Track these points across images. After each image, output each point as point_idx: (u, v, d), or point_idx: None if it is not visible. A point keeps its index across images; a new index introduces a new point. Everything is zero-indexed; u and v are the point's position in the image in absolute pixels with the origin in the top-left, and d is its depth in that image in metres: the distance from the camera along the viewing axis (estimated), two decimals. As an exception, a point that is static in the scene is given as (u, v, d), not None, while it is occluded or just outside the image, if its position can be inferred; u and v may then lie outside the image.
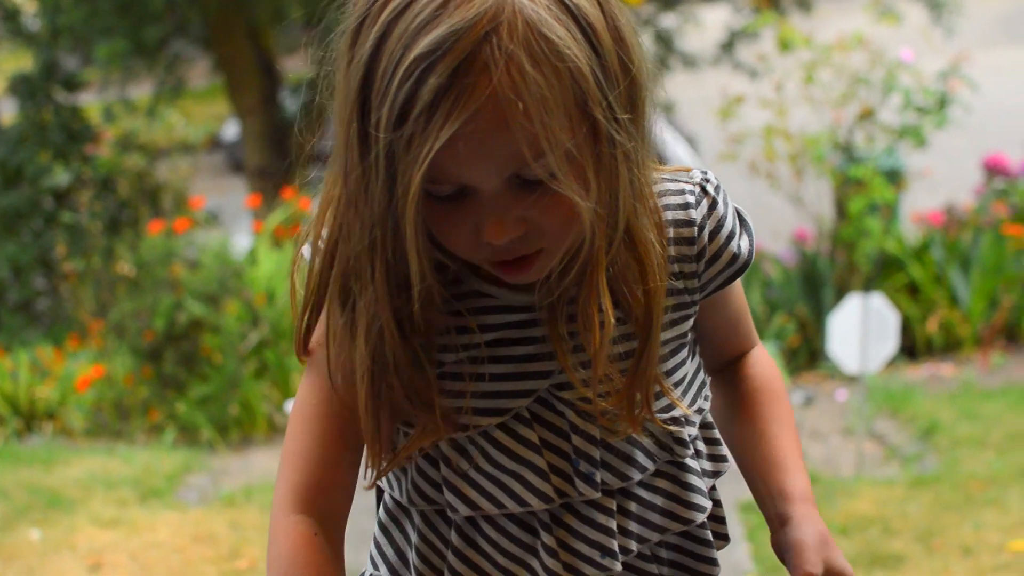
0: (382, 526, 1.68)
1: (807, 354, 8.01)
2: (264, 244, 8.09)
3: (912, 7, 12.76)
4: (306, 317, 1.53)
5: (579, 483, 1.53)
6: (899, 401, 6.55)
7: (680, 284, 1.54)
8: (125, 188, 10.97)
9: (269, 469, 6.52)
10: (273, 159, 12.67)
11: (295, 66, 16.00)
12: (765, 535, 1.65)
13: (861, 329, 5.79)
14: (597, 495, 1.53)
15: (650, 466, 1.56)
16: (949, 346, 7.73)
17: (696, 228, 1.52)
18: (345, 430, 1.51)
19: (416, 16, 1.27)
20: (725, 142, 8.89)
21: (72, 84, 12.27)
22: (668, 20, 14.93)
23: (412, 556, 1.62)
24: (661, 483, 1.58)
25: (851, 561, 4.59)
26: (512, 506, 1.54)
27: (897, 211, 8.73)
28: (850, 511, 5.13)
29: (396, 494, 1.63)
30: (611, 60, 1.33)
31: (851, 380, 6.92)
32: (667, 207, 1.52)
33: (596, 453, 1.53)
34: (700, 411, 1.62)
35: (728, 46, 14.34)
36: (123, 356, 7.69)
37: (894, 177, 8.86)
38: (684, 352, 1.59)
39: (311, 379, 1.54)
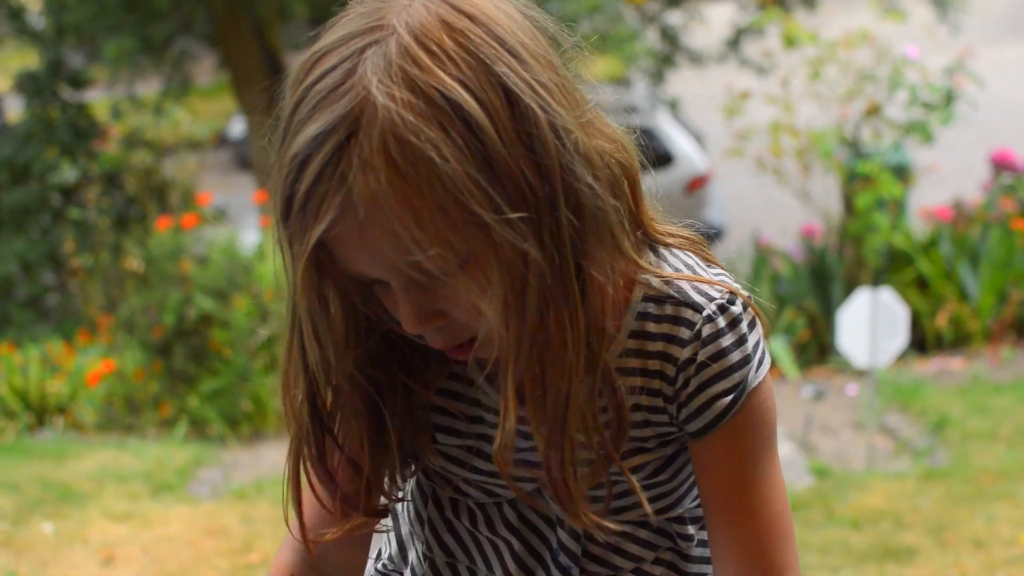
0: (395, 514, 1.69)
1: (817, 349, 8.02)
2: (272, 240, 8.08)
3: (917, 4, 12.77)
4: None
5: (555, 572, 1.51)
6: (909, 395, 6.56)
7: (665, 416, 1.43)
8: (132, 184, 10.98)
9: (280, 463, 6.48)
10: (280, 156, 12.68)
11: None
12: None
13: (870, 324, 5.79)
14: None
15: (647, 556, 1.52)
16: (959, 340, 7.73)
17: (674, 369, 1.39)
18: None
19: (297, 114, 1.25)
20: (732, 138, 8.90)
21: (78, 81, 12.28)
22: (674, 17, 14.93)
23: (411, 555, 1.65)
24: (658, 571, 1.53)
25: (863, 554, 4.62)
26: (482, 568, 1.55)
27: (905, 206, 8.74)
28: (861, 505, 5.14)
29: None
30: (502, 156, 1.23)
31: (861, 374, 6.92)
32: (662, 336, 1.40)
33: (578, 549, 1.50)
34: None
35: (734, 43, 14.35)
36: (133, 351, 7.71)
37: (901, 173, 8.87)
38: (649, 455, 1.47)
39: None
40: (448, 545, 1.57)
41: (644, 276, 1.39)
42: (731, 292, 1.38)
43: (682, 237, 1.45)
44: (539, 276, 1.26)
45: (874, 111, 8.67)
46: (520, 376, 1.30)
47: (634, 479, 1.40)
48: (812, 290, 8.18)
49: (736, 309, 1.37)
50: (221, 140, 20.58)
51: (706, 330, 1.37)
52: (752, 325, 1.39)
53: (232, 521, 5.47)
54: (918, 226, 8.70)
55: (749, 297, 1.40)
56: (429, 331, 1.32)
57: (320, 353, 1.35)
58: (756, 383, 1.38)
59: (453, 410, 1.48)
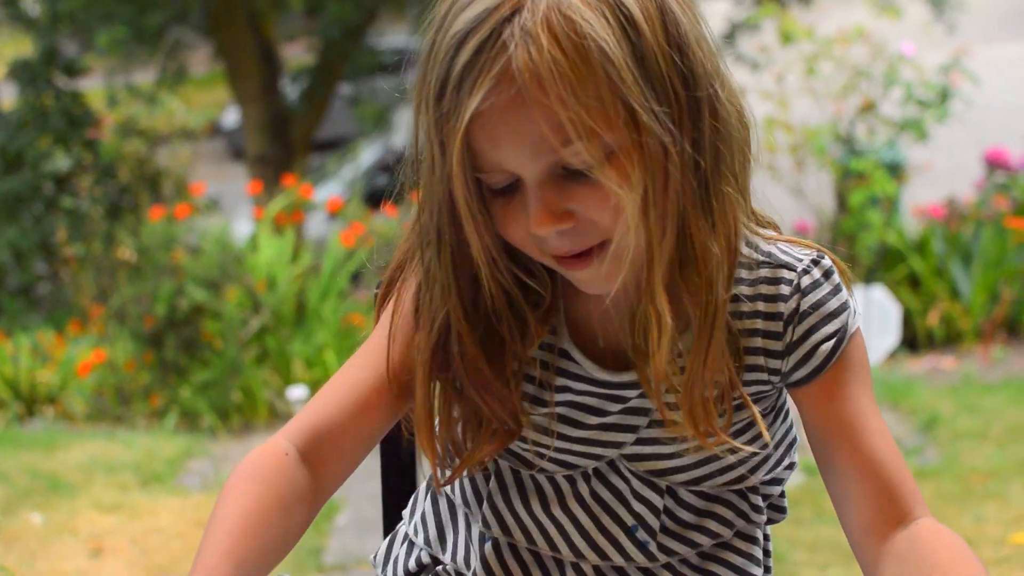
0: (434, 496, 1.68)
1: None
2: (265, 231, 8.08)
3: (913, 2, 12.76)
4: (389, 274, 1.55)
5: (630, 548, 1.52)
6: (900, 393, 6.55)
7: (764, 375, 1.49)
8: (125, 174, 10.95)
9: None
10: (273, 146, 12.67)
11: (295, 54, 16.00)
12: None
13: (862, 321, 5.79)
14: (647, 564, 1.53)
15: (725, 533, 1.55)
16: (950, 339, 7.73)
17: (782, 324, 1.46)
18: (373, 399, 1.50)
19: (456, 2, 1.31)
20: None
21: (73, 70, 12.25)
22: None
23: (453, 537, 1.63)
24: (724, 549, 1.57)
25: (852, 553, 4.62)
26: (543, 547, 1.54)
27: (898, 204, 8.73)
28: (851, 502, 5.13)
29: (451, 492, 1.64)
30: (653, 54, 1.30)
31: (852, 372, 6.91)
32: (761, 296, 1.46)
33: (656, 524, 1.52)
34: (791, 467, 1.60)
35: (729, 38, 14.33)
36: (124, 341, 7.69)
37: (895, 170, 8.86)
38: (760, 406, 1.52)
39: (373, 336, 1.54)
40: (508, 525, 1.56)
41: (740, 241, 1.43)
42: (818, 251, 1.48)
43: (762, 216, 1.54)
44: (681, 174, 1.33)
45: (869, 108, 8.66)
46: (665, 277, 1.35)
47: (755, 408, 1.46)
48: (804, 287, 8.17)
49: (827, 263, 1.46)
50: (215, 130, 20.59)
51: (804, 281, 1.45)
52: (843, 277, 1.48)
53: (221, 513, 5.45)
54: (911, 224, 8.69)
55: (833, 257, 1.48)
56: (554, 235, 1.35)
57: (481, 243, 1.37)
58: (855, 328, 1.47)
59: (540, 378, 1.50)
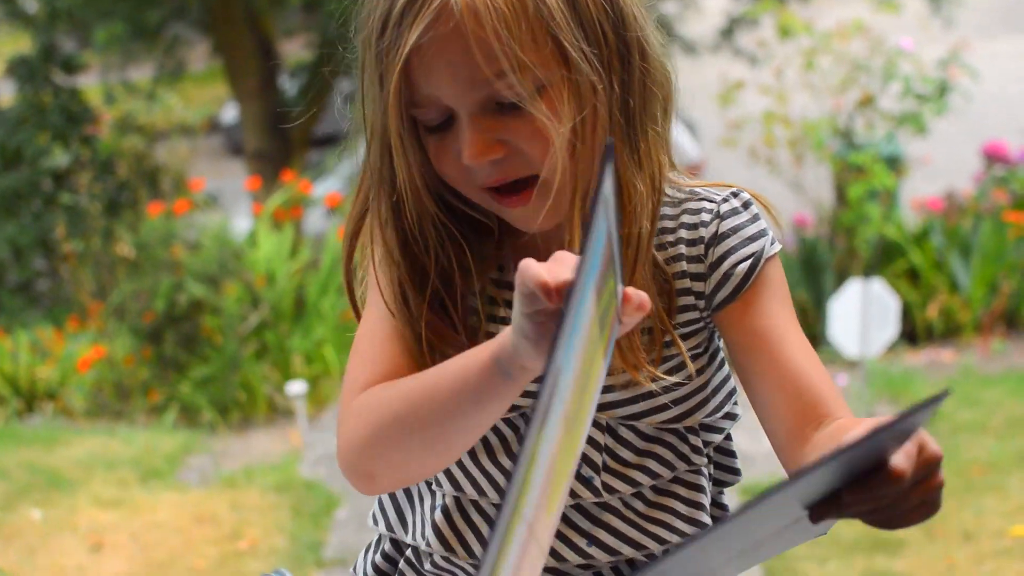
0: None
1: (807, 339, 8.01)
2: (264, 226, 8.08)
3: (912, -5, 12.75)
4: (350, 229, 1.58)
5: (576, 485, 1.54)
6: (899, 386, 6.56)
7: (691, 299, 1.53)
8: (124, 170, 10.96)
9: (270, 450, 6.53)
10: (272, 142, 12.67)
11: (294, 50, 15.98)
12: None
13: (861, 314, 5.79)
14: (592, 499, 1.54)
15: (665, 474, 1.56)
16: (949, 332, 7.73)
17: (703, 246, 1.52)
18: (406, 347, 1.52)
19: None
20: (725, 128, 8.89)
21: (71, 66, 12.25)
22: (668, 6, 14.91)
23: (412, 516, 1.64)
24: (667, 496, 1.58)
25: (851, 546, 4.62)
26: (493, 496, 1.56)
27: (897, 198, 8.74)
28: (851, 495, 5.13)
29: None
30: (588, 8, 1.40)
31: (851, 365, 6.92)
32: (683, 225, 1.53)
33: (599, 459, 1.54)
34: (731, 416, 1.61)
35: (728, 32, 14.34)
36: (123, 337, 7.69)
37: (894, 164, 8.88)
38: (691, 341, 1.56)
39: (371, 302, 1.56)
40: (458, 480, 1.58)
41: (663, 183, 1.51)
42: (738, 187, 1.56)
43: (682, 166, 1.61)
44: (609, 112, 1.42)
45: (867, 102, 8.67)
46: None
47: (682, 344, 1.51)
48: (803, 280, 8.18)
49: (745, 196, 1.54)
50: (213, 126, 20.57)
51: (723, 208, 1.52)
52: (764, 211, 1.56)
53: (221, 508, 5.46)
54: (910, 217, 8.70)
55: (755, 193, 1.57)
56: (486, 165, 1.41)
57: (407, 173, 1.45)
58: (772, 253, 1.53)
59: (489, 313, 1.54)
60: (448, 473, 1.57)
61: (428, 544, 1.59)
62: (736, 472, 1.66)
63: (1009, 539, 4.62)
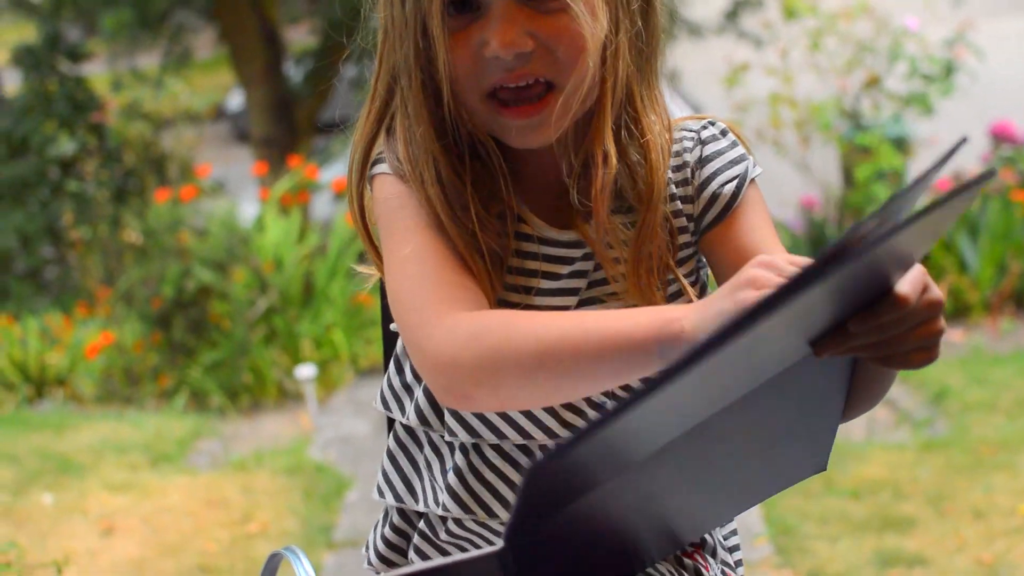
0: (390, 454, 1.69)
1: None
2: (271, 212, 8.08)
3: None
4: (360, 151, 1.58)
5: (591, 414, 1.55)
6: (908, 367, 6.55)
7: (683, 221, 1.59)
8: (131, 157, 10.95)
9: (279, 434, 6.54)
10: (278, 128, 12.66)
11: (299, 36, 15.98)
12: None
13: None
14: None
15: None
16: (958, 312, 7.72)
17: (689, 170, 1.58)
18: (462, 264, 1.50)
19: None
20: (730, 110, 8.87)
21: (76, 55, 12.24)
22: (673, -11, 14.87)
23: (420, 484, 1.63)
24: None
25: (862, 524, 4.62)
26: (513, 436, 1.55)
27: (904, 178, 8.72)
28: (861, 475, 5.14)
29: (403, 417, 1.64)
30: None
31: (860, 346, 6.91)
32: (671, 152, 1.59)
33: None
34: None
35: (733, 14, 14.30)
36: (132, 323, 7.70)
37: (901, 144, 8.85)
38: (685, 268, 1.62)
39: (405, 228, 1.52)
40: (474, 427, 1.58)
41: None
42: (711, 117, 1.65)
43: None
44: (635, 29, 1.49)
45: (874, 83, 8.65)
46: (616, 120, 1.49)
47: (683, 279, 1.58)
48: (811, 262, 8.15)
49: (721, 124, 1.63)
50: (219, 113, 20.58)
51: (704, 134, 1.61)
52: (740, 139, 1.64)
53: (231, 492, 5.47)
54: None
55: (730, 123, 1.65)
56: (513, 55, 1.42)
57: (452, 87, 1.46)
58: (755, 174, 1.61)
59: (525, 251, 1.56)
60: (461, 421, 1.57)
61: (445, 508, 1.59)
62: None
63: (1019, 517, 4.61)
